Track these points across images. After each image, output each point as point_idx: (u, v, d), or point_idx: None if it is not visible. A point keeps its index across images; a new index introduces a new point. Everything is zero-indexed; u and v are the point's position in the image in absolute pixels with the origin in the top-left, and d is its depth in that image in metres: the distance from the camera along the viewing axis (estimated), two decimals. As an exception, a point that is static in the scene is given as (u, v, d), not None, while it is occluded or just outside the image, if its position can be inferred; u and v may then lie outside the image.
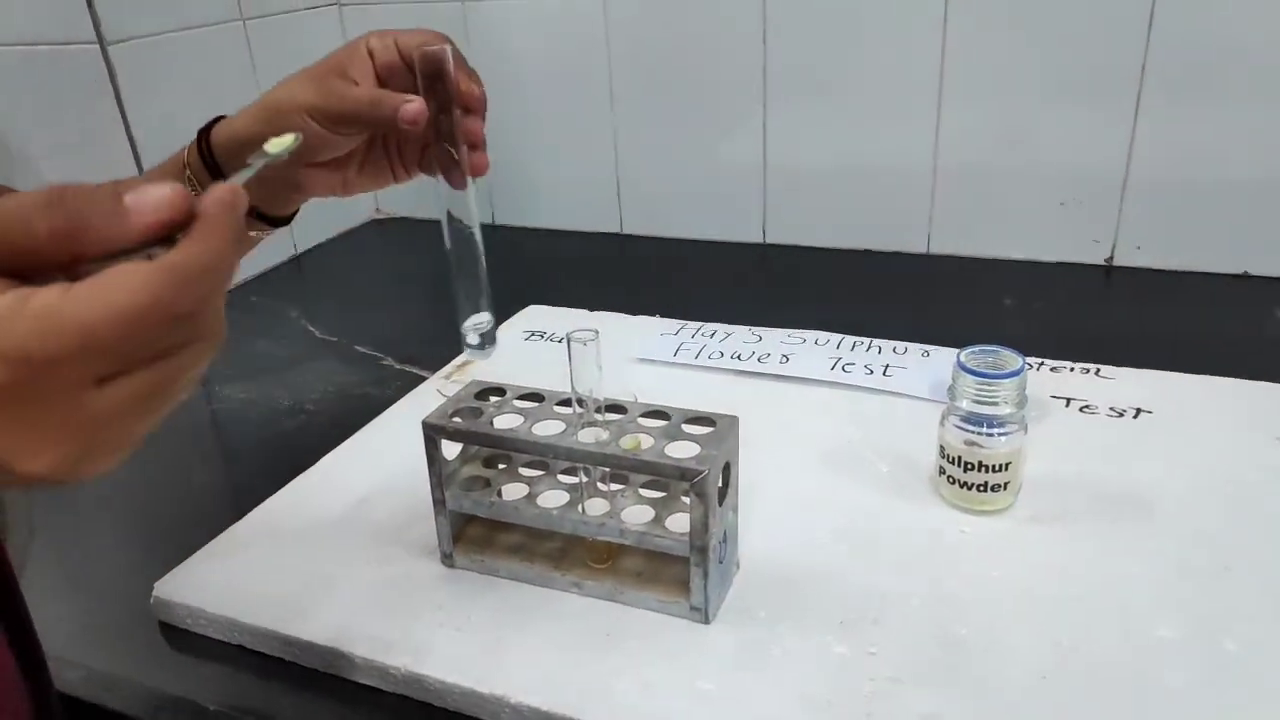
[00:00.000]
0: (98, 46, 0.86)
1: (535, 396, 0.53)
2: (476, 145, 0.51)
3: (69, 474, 0.28)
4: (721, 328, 0.80)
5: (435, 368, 0.81)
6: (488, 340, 0.54)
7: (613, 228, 1.13)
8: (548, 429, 0.50)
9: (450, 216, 0.52)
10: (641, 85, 1.04)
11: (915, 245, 1.00)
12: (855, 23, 0.93)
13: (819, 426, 0.66)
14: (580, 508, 0.51)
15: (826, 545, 0.54)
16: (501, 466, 0.56)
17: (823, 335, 0.77)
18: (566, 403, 0.52)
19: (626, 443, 0.48)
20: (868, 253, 1.02)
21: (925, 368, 0.72)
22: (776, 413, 0.68)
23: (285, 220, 0.58)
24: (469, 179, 0.51)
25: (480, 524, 0.56)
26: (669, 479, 0.48)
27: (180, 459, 0.73)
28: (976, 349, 0.55)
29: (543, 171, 1.14)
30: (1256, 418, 0.64)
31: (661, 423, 0.50)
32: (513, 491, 0.53)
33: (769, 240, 1.06)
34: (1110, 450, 0.61)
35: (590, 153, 1.09)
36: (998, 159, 0.93)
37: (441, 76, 0.48)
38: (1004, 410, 0.54)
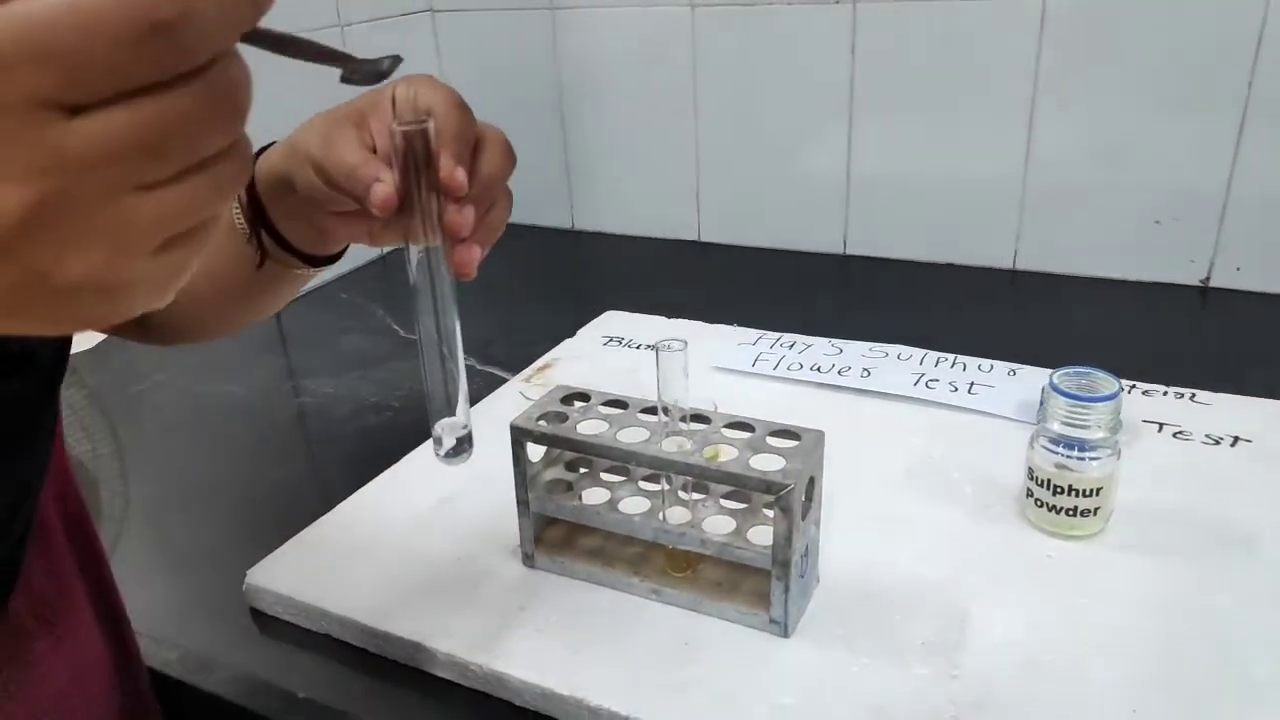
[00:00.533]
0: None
1: (620, 403, 0.54)
2: (457, 238, 0.42)
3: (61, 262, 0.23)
4: (800, 339, 0.80)
5: (516, 369, 0.82)
6: (464, 447, 0.46)
7: (690, 235, 1.13)
8: (632, 436, 0.51)
9: (421, 293, 0.43)
10: (724, 93, 1.04)
11: (1002, 261, 0.98)
12: (946, 34, 0.92)
13: (901, 443, 0.65)
14: (661, 515, 0.51)
15: (908, 564, 0.54)
16: (583, 470, 0.56)
17: (905, 350, 0.76)
18: (651, 410, 0.53)
19: (706, 453, 0.48)
20: (951, 266, 1.00)
21: (1012, 387, 0.70)
22: (857, 427, 0.67)
23: (329, 259, 0.53)
24: (446, 276, 0.43)
25: (561, 526, 0.57)
26: (752, 491, 0.48)
27: (271, 450, 0.76)
28: (1070, 370, 0.54)
29: (623, 176, 1.14)
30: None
31: (746, 434, 0.50)
32: (594, 496, 0.54)
33: (850, 251, 1.05)
34: (1205, 479, 0.60)
35: (670, 159, 1.10)
36: (1091, 175, 0.91)
37: (425, 154, 0.40)
38: (1096, 434, 0.53)
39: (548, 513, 0.54)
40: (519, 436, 0.52)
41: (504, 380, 0.81)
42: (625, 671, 0.48)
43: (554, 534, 0.56)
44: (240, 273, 0.51)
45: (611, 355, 0.82)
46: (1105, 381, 0.53)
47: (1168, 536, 0.55)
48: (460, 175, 0.40)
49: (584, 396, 0.55)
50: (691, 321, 0.87)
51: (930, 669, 0.46)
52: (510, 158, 0.44)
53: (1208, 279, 0.90)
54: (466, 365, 0.87)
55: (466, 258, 0.42)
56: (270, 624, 0.56)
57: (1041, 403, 0.54)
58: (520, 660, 0.49)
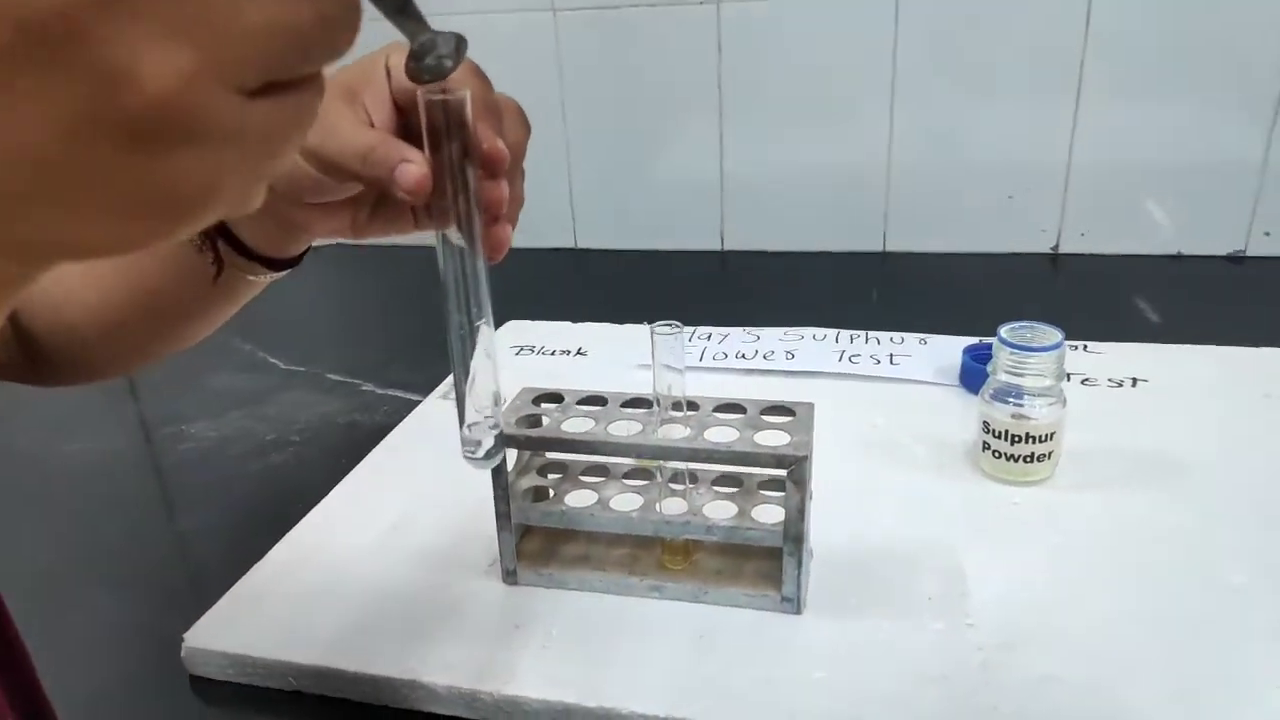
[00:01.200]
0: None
1: (597, 400, 0.52)
2: (496, 216, 0.39)
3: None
4: (715, 330, 0.80)
5: (422, 390, 0.77)
6: (500, 447, 0.43)
7: (567, 242, 1.12)
8: (623, 430, 0.49)
9: (457, 289, 0.39)
10: (590, 97, 1.04)
11: (872, 244, 1.03)
12: (809, 32, 0.95)
13: (842, 417, 0.66)
14: (658, 508, 0.49)
15: (889, 528, 0.55)
16: (556, 476, 0.53)
17: (819, 330, 0.78)
18: (632, 404, 0.51)
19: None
20: (826, 254, 1.04)
21: (927, 354, 0.73)
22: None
23: (291, 263, 0.48)
24: (479, 260, 0.38)
25: (538, 537, 0.53)
26: (763, 468, 0.47)
27: (167, 504, 0.68)
28: (1014, 325, 0.57)
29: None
30: (1239, 381, 0.68)
31: (739, 415, 0.49)
32: (578, 500, 0.51)
33: (727, 247, 1.07)
34: (1123, 418, 0.64)
35: (540, 166, 1.07)
36: (946, 159, 0.97)
37: (460, 126, 0.36)
38: (1044, 382, 0.56)
39: (531, 522, 0.51)
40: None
41: (414, 402, 0.76)
42: (648, 673, 0.45)
43: (531, 546, 0.53)
44: (179, 290, 0.45)
45: (528, 364, 0.79)
46: (1048, 333, 0.56)
47: (1112, 472, 0.58)
48: (502, 146, 0.37)
49: (556, 397, 0.52)
50: (598, 324, 0.85)
51: (945, 622, 0.47)
52: (527, 126, 0.41)
53: (1057, 246, 0.98)
54: (363, 389, 0.82)
55: (502, 236, 0.39)
56: (218, 690, 0.49)
57: (993, 358, 0.57)
58: (534, 680, 0.45)
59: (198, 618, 0.51)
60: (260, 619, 0.51)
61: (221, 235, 0.43)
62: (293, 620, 0.51)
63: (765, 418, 0.49)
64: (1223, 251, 0.95)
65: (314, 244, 0.48)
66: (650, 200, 1.06)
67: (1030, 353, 0.55)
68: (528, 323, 0.87)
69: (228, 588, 0.54)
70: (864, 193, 1.01)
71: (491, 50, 1.05)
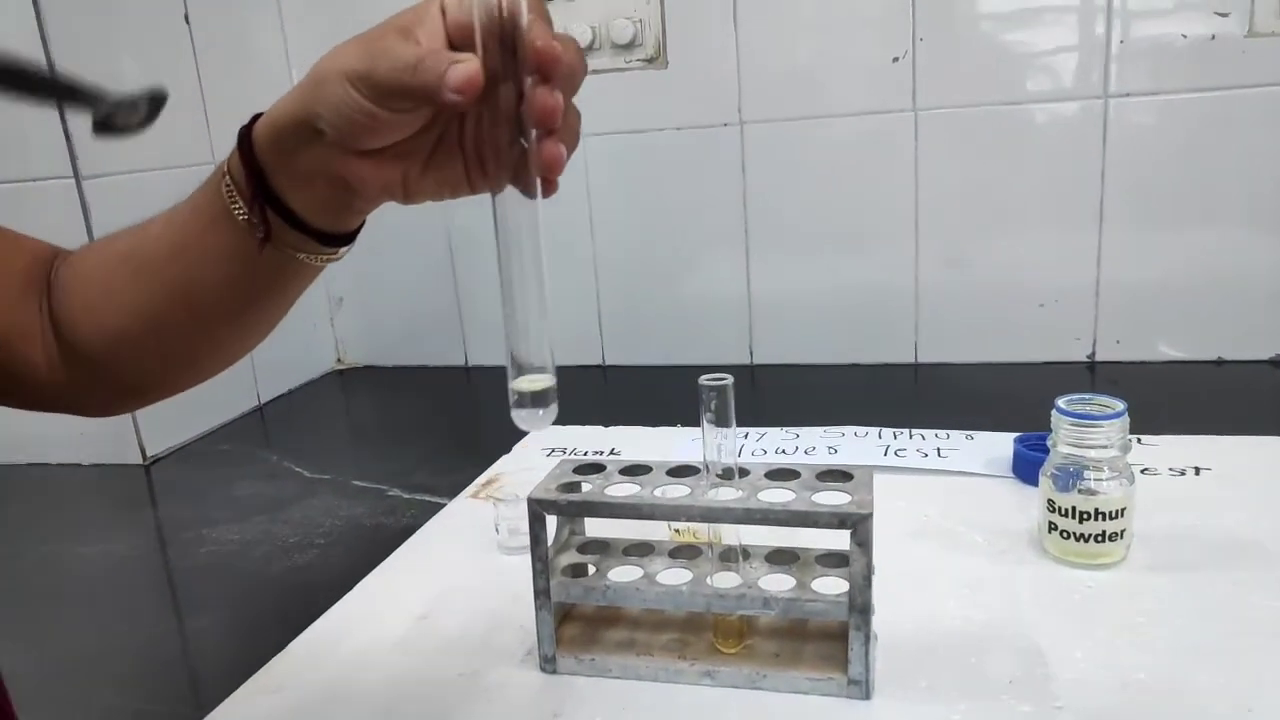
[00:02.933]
0: (73, 180, 0.82)
1: (640, 469, 0.49)
2: (549, 127, 0.38)
3: None
4: (752, 430, 0.78)
5: (450, 493, 0.75)
6: (551, 399, 0.41)
7: (594, 359, 1.11)
8: (671, 495, 0.46)
9: (504, 232, 0.39)
10: (618, 218, 1.05)
11: (904, 356, 1.02)
12: (829, 159, 0.98)
13: (893, 508, 0.62)
14: (709, 581, 0.46)
15: (956, 611, 0.51)
16: (596, 555, 0.50)
17: (860, 429, 0.76)
18: (679, 471, 0.49)
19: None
20: (856, 367, 1.03)
21: (975, 447, 0.71)
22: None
23: (346, 239, 0.46)
24: (538, 184, 0.38)
25: (578, 623, 0.50)
26: (824, 528, 0.44)
27: (180, 604, 0.64)
28: (1073, 396, 0.55)
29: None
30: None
31: (793, 480, 0.47)
32: (623, 575, 0.48)
33: (757, 361, 1.06)
34: (1189, 502, 0.61)
35: (569, 285, 1.08)
36: (977, 275, 0.97)
37: (512, 25, 0.36)
38: (1109, 453, 0.53)
39: (573, 599, 0.48)
40: (540, 510, 0.46)
41: (441, 505, 0.73)
42: (706, 762, 0.41)
43: (570, 632, 0.50)
44: (225, 282, 0.43)
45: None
46: (1109, 403, 0.54)
47: (1187, 555, 0.55)
48: (557, 46, 0.36)
49: (598, 468, 0.50)
50: (631, 427, 0.84)
51: (1032, 705, 0.43)
52: (583, 57, 0.40)
53: (1093, 354, 0.97)
54: (389, 494, 0.80)
55: (556, 154, 0.37)
56: (230, 792, 0.45)
57: (1053, 433, 0.55)
58: (580, 770, 0.41)
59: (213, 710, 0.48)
60: (280, 711, 0.47)
61: (270, 204, 0.41)
62: (314, 712, 0.47)
63: (821, 482, 0.46)
64: (1264, 356, 0.93)
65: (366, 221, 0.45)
66: (678, 318, 1.07)
67: (1093, 421, 0.53)
68: (558, 427, 0.85)
69: (244, 682, 0.50)
70: (893, 308, 1.00)
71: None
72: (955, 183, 0.95)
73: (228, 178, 0.42)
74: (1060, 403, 0.55)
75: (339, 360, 1.20)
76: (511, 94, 0.36)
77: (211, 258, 0.43)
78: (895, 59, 0.93)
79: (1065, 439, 0.54)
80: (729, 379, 0.44)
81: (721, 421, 0.45)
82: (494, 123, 0.37)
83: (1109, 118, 0.91)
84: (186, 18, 0.94)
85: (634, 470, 0.49)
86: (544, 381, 0.40)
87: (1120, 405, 0.54)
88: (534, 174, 0.37)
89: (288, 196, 0.41)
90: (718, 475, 0.46)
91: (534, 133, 0.37)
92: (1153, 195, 0.91)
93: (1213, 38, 0.87)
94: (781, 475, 0.47)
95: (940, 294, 0.99)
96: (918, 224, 0.97)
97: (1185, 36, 0.87)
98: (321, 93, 0.38)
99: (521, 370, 0.40)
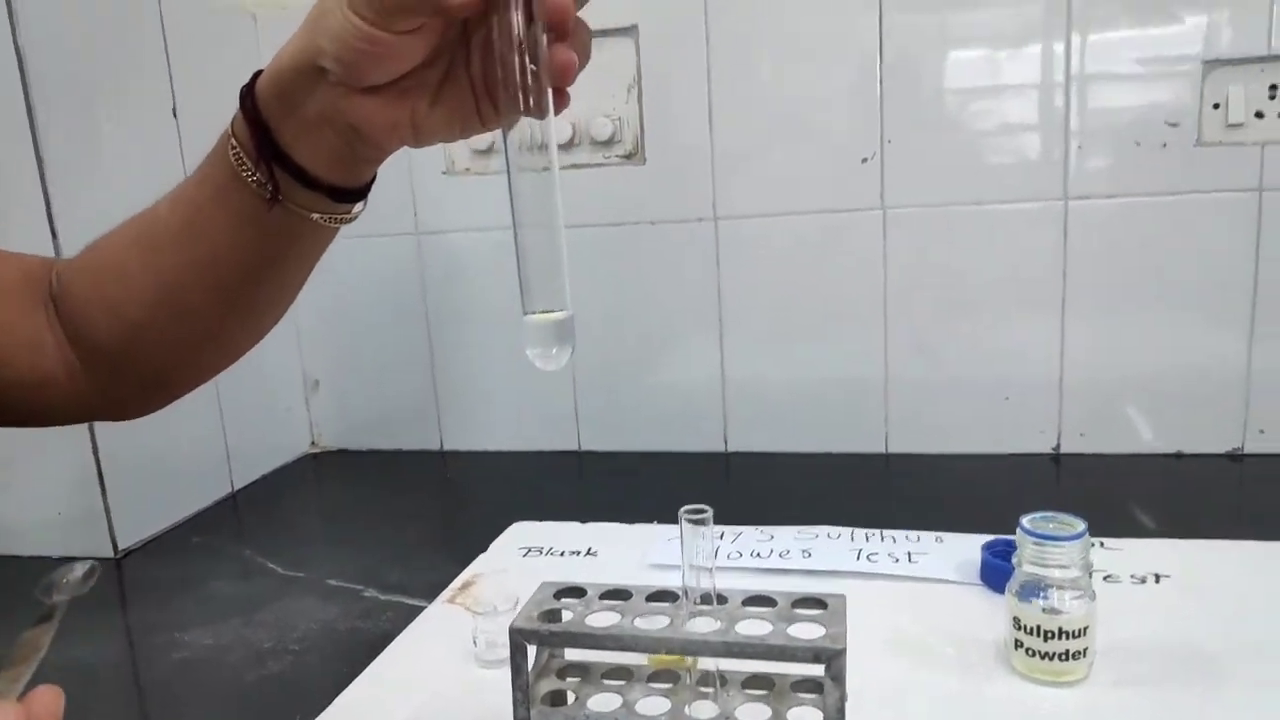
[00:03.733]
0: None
1: (621, 594, 0.50)
2: (561, 28, 0.36)
3: None
4: (727, 529, 0.79)
5: (427, 594, 0.75)
6: (565, 336, 0.39)
7: (570, 445, 1.12)
8: (650, 625, 0.47)
9: (515, 159, 0.37)
10: (593, 309, 1.07)
11: (875, 446, 1.04)
12: (806, 256, 1.01)
13: (867, 617, 0.64)
14: (687, 710, 0.47)
15: (929, 733, 0.52)
16: (575, 679, 0.51)
17: (833, 529, 0.77)
18: (658, 596, 0.49)
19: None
20: (828, 455, 1.04)
21: (945, 551, 0.72)
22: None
23: (355, 195, 0.44)
24: (549, 97, 0.37)
25: (556, 748, 0.50)
26: (799, 662, 0.45)
27: (153, 714, 0.63)
28: (1036, 515, 0.57)
29: (494, 392, 1.13)
30: (1261, 574, 0.67)
31: (769, 608, 0.48)
32: (602, 703, 0.48)
33: (731, 448, 1.07)
34: (1149, 614, 0.63)
35: (548, 375, 1.09)
36: (943, 365, 1.00)
37: None
38: (1072, 573, 0.55)
39: (552, 730, 0.48)
40: (522, 639, 0.47)
41: (417, 608, 0.73)
42: None
43: (548, 758, 0.50)
44: (241, 252, 0.42)
45: (537, 565, 0.77)
46: (1070, 522, 0.56)
47: (1150, 670, 0.56)
48: None
49: (578, 591, 0.51)
50: (608, 524, 0.84)
51: (1002, 837, 0.44)
52: None
53: (1058, 447, 0.99)
54: (364, 595, 0.80)
55: (568, 59, 0.37)
56: None
57: (1017, 552, 0.56)
58: None
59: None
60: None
61: (278, 161, 0.40)
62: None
63: (797, 610, 0.47)
64: (1221, 450, 0.96)
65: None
66: (653, 405, 1.08)
67: (1055, 542, 0.55)
68: (535, 524, 0.86)
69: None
70: (864, 397, 1.03)
71: (490, 263, 1.09)
72: (922, 276, 0.98)
73: (233, 139, 0.41)
74: (1024, 521, 0.56)
75: (313, 443, 1.20)
76: (524, 11, 0.35)
77: (224, 227, 0.42)
78: (864, 159, 0.97)
79: (1029, 558, 0.55)
80: (708, 513, 0.45)
81: (701, 552, 0.46)
82: (504, 41, 0.36)
83: (1069, 218, 0.94)
84: (174, 111, 0.95)
85: (615, 594, 0.50)
86: (561, 314, 0.39)
87: (1081, 526, 0.55)
88: (545, 83, 0.36)
89: (295, 150, 0.40)
90: (696, 601, 0.47)
91: (544, 39, 0.35)
92: (1112, 291, 0.95)
93: (1165, 145, 0.91)
94: (758, 602, 0.48)
95: (909, 385, 1.01)
96: (886, 317, 1.00)
97: (1139, 144, 0.91)
98: (322, 25, 0.37)
99: (537, 305, 0.38)
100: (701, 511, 0.45)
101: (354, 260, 1.11)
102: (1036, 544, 0.55)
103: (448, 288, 1.11)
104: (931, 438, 1.02)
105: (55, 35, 0.82)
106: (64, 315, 0.47)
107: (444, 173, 1.07)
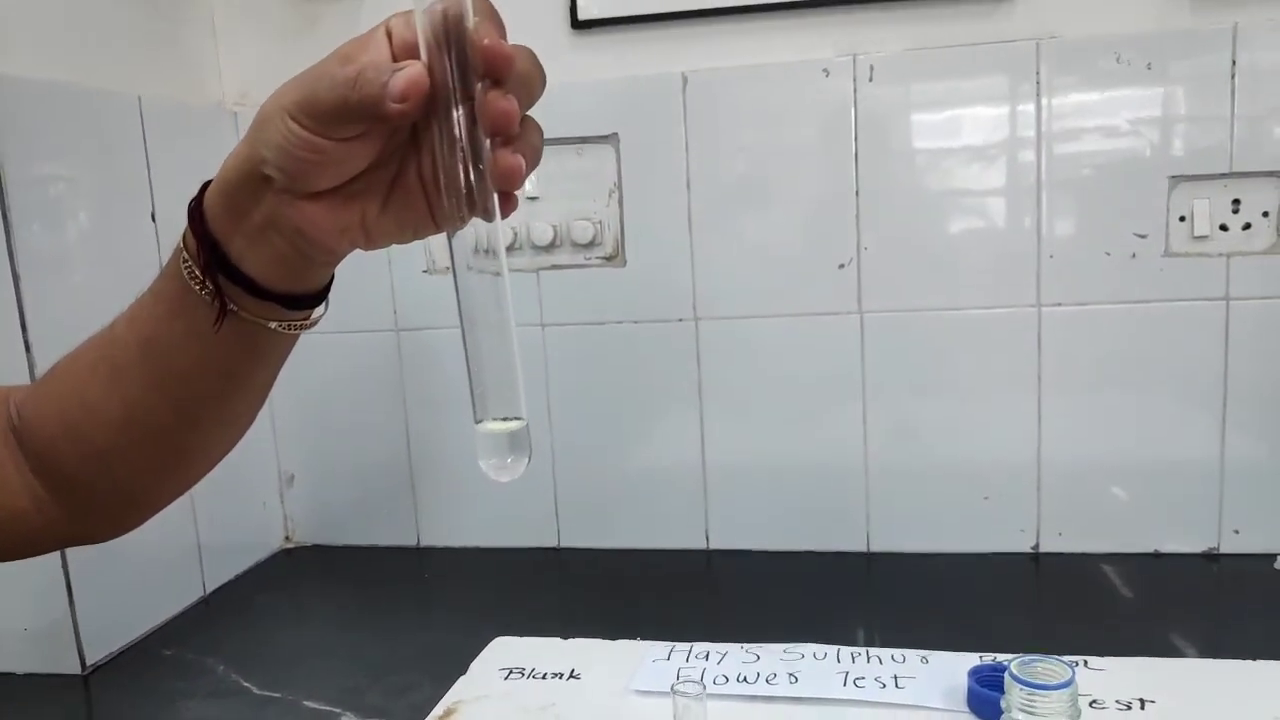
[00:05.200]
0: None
1: (611, 757, 0.49)
2: (505, 133, 0.35)
3: None
4: (713, 648, 0.79)
5: (408, 719, 0.73)
6: (519, 447, 0.38)
7: (550, 541, 1.11)
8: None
9: (462, 264, 0.36)
10: (574, 408, 1.07)
11: (856, 544, 1.04)
12: (778, 349, 1.02)
13: (854, 751, 0.64)
14: None
15: None
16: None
17: (819, 649, 0.77)
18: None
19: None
20: (810, 554, 1.04)
21: (931, 675, 0.72)
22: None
23: (310, 301, 0.43)
24: (494, 200, 0.36)
25: None
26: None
27: None
28: (1025, 659, 0.57)
29: (472, 489, 1.12)
30: (1245, 699, 0.68)
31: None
32: None
33: (712, 545, 1.07)
34: (1139, 748, 0.63)
35: (529, 474, 1.09)
36: (924, 458, 1.01)
37: (458, 33, 0.33)
38: (1062, 721, 0.55)
39: None
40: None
41: (399, 735, 0.72)
42: None
43: None
44: (203, 367, 0.42)
45: (519, 691, 0.75)
46: (1058, 669, 0.56)
47: (1140, 816, 0.56)
48: (506, 47, 0.34)
49: (567, 754, 0.50)
50: (588, 640, 0.83)
51: None
52: (540, 67, 0.38)
53: (1037, 545, 1.00)
54: (339, 719, 0.78)
55: (513, 164, 0.36)
56: None
57: (1006, 696, 0.56)
58: None
59: None
60: None
61: (227, 273, 0.40)
62: None
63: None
64: (1198, 549, 0.97)
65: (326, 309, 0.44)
66: (634, 501, 1.08)
67: (1044, 690, 0.55)
68: (516, 639, 0.85)
69: None
70: (845, 492, 1.03)
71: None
72: (900, 377, 1.00)
73: (185, 253, 0.41)
74: (1013, 667, 0.56)
75: (287, 538, 1.18)
76: (467, 110, 0.34)
77: (183, 342, 0.41)
78: (841, 265, 0.98)
79: (1018, 704, 0.55)
80: (703, 691, 0.45)
81: (694, 710, 0.45)
82: (445, 146, 0.35)
83: (1043, 324, 0.96)
84: (153, 216, 0.95)
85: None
86: (515, 424, 0.37)
87: (1069, 673, 0.55)
88: (489, 187, 0.35)
89: (244, 261, 0.40)
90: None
91: (487, 143, 0.34)
92: (1086, 395, 0.96)
93: (1134, 256, 0.93)
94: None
95: (890, 485, 1.02)
96: (865, 417, 1.01)
97: (1109, 254, 0.94)
98: (264, 134, 0.37)
99: (489, 413, 0.37)
100: (695, 690, 0.44)
101: (332, 355, 1.10)
102: (1025, 692, 0.55)
103: (426, 384, 1.11)
104: (913, 536, 1.02)
105: (32, 137, 0.82)
106: (27, 447, 0.46)
107: (424, 271, 1.07)
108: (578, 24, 0.99)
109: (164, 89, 1.02)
